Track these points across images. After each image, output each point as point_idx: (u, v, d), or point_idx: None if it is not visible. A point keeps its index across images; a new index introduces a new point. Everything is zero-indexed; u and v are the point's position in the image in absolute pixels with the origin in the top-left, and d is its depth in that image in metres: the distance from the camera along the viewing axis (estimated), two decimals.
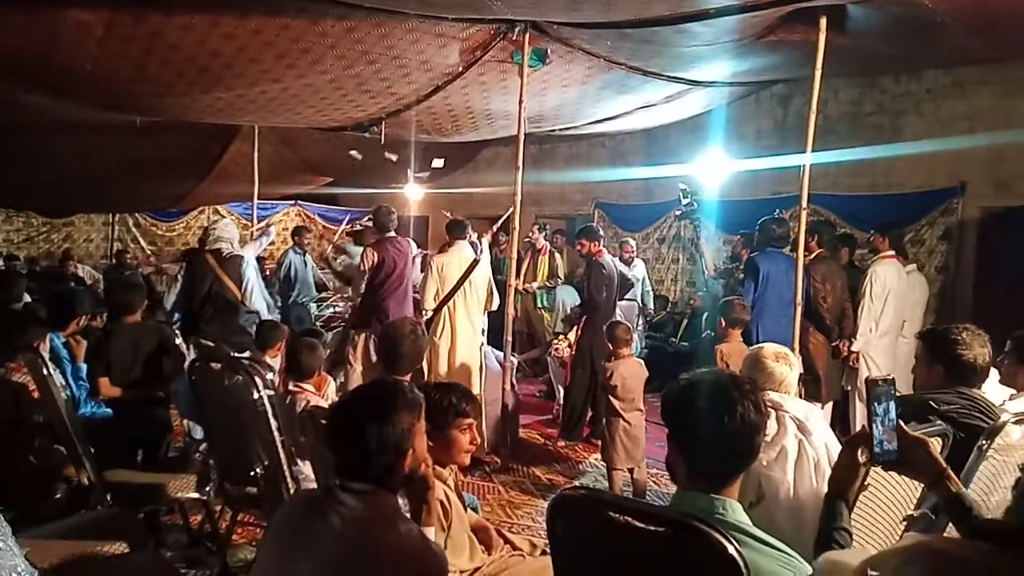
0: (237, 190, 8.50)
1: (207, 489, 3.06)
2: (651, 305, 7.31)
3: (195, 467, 3.20)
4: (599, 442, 5.50)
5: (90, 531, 2.37)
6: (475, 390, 5.07)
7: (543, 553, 2.32)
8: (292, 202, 11.03)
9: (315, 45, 4.75)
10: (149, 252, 9.92)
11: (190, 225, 10.51)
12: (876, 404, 1.53)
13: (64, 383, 3.19)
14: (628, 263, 6.84)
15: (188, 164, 7.91)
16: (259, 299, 5.03)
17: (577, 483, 4.80)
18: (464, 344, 5.12)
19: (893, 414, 1.54)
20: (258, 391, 2.49)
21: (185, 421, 4.05)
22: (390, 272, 5.18)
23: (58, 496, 2.96)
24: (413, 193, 9.36)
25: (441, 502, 1.94)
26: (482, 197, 9.56)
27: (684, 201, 5.92)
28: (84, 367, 3.60)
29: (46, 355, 3.21)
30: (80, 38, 4.36)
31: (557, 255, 7.73)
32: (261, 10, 4.29)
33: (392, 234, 5.38)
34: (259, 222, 9.68)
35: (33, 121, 6.48)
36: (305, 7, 4.25)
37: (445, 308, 5.11)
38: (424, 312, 5.08)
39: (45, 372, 2.93)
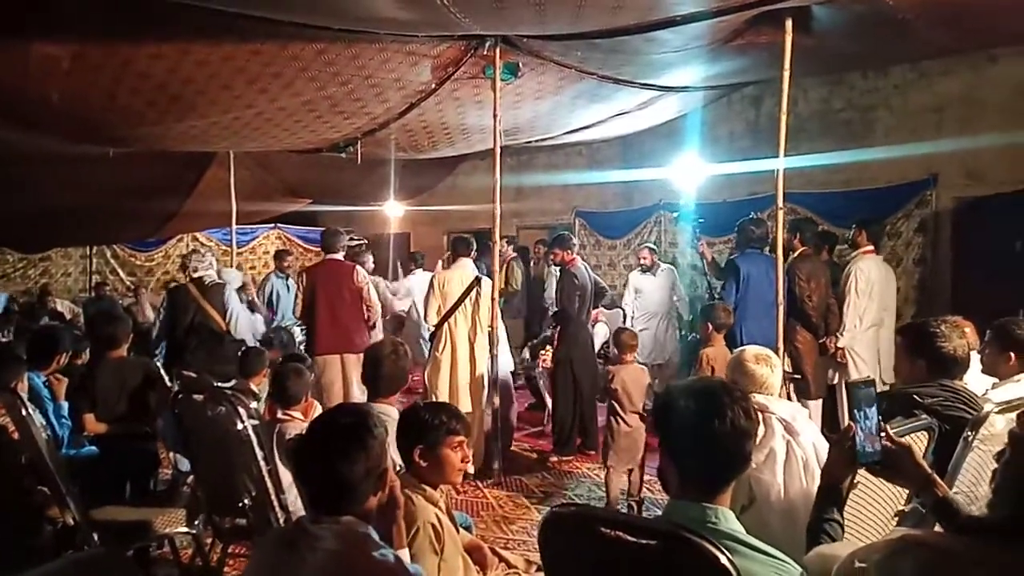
0: (215, 216, 8.43)
1: (196, 522, 3.01)
2: (686, 313, 7.13)
3: (183, 500, 3.14)
4: (592, 452, 5.52)
5: (78, 572, 2.31)
6: (479, 405, 5.08)
7: (539, 570, 2.30)
8: (271, 225, 10.98)
9: (287, 69, 4.74)
10: (129, 283, 9.80)
11: (169, 254, 10.41)
12: (856, 409, 1.54)
13: (45, 423, 3.13)
14: (650, 270, 6.78)
15: (164, 193, 7.85)
16: (244, 326, 4.98)
17: (570, 494, 4.78)
18: (464, 360, 5.11)
19: (875, 418, 1.56)
20: (242, 421, 2.46)
21: (171, 454, 3.99)
22: (318, 295, 5.08)
23: (43, 538, 2.90)
24: (393, 210, 9.35)
25: (433, 525, 1.92)
26: (462, 212, 9.56)
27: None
28: (65, 405, 3.54)
29: (24, 395, 3.15)
30: (47, 70, 4.32)
31: (514, 265, 7.76)
32: (231, 37, 4.27)
33: (335, 255, 5.32)
34: (239, 247, 9.65)
35: (4, 154, 6.40)
36: (274, 31, 4.24)
37: (446, 324, 5.09)
38: (428, 327, 5.07)
39: (24, 412, 2.88)
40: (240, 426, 2.46)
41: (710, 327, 4.40)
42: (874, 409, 1.55)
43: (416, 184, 9.20)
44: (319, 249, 10.76)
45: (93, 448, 3.54)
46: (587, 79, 5.58)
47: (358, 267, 5.31)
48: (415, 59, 4.92)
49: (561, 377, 5.46)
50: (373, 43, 4.57)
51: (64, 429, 3.52)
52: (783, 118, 4.45)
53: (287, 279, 6.88)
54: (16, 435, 3.01)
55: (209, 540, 3.18)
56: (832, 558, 1.43)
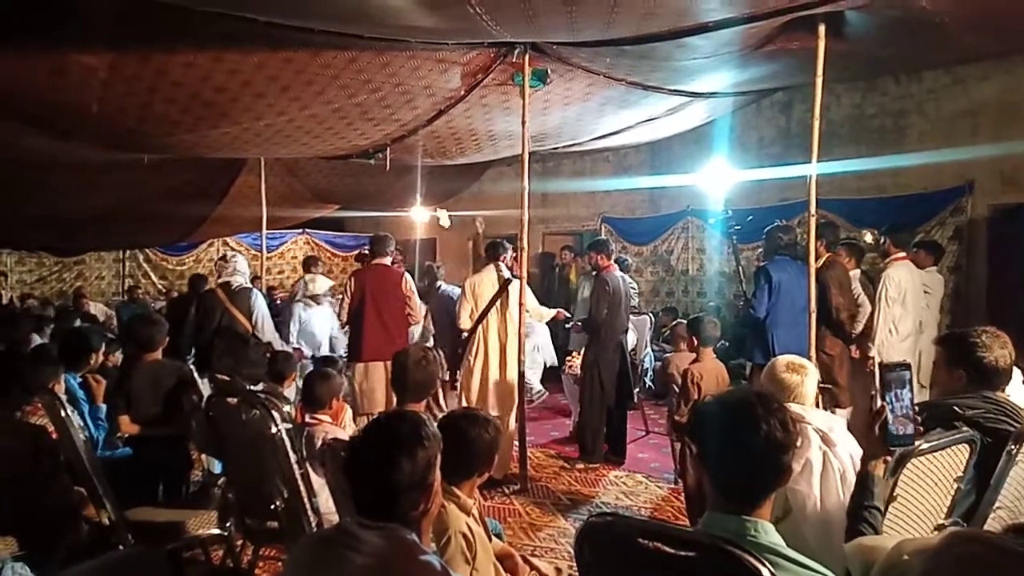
0: (245, 221, 8.56)
1: (228, 524, 3.04)
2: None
3: (215, 502, 3.18)
4: (620, 459, 5.48)
5: (116, 571, 2.35)
6: (509, 410, 5.08)
7: None
8: (300, 231, 11.10)
9: (318, 76, 4.80)
10: (160, 286, 9.97)
11: (200, 258, 10.58)
12: (888, 391, 1.51)
13: (82, 424, 3.19)
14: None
15: (196, 198, 7.98)
16: (270, 330, 5.03)
17: (597, 502, 4.75)
18: (496, 364, 5.12)
19: (907, 400, 1.52)
20: (275, 425, 2.48)
21: (203, 456, 4.04)
22: (366, 300, 5.10)
23: (81, 537, 2.95)
24: (420, 216, 9.40)
25: (465, 534, 1.92)
26: (487, 218, 9.58)
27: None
28: (103, 407, 3.61)
29: (62, 396, 3.21)
30: (85, 80, 4.42)
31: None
32: (263, 45, 4.34)
33: (383, 260, 5.32)
34: (268, 252, 9.76)
35: (42, 162, 6.56)
36: (307, 40, 4.29)
37: (479, 329, 5.10)
38: (462, 332, 5.07)
39: (62, 413, 2.94)
40: (273, 429, 2.49)
41: (695, 341, 4.28)
42: (906, 391, 1.52)
43: (443, 190, 9.25)
44: (346, 254, 10.90)
45: (127, 449, 3.61)
46: (615, 85, 5.57)
47: (406, 274, 5.33)
48: (445, 66, 4.95)
49: (589, 384, 5.42)
50: (404, 51, 4.61)
51: (100, 431, 3.59)
52: (815, 124, 4.39)
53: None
54: (55, 435, 3.07)
55: (240, 542, 3.22)
56: (875, 549, 1.40)
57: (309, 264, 6.98)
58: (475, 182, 9.72)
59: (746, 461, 1.45)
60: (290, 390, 3.84)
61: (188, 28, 4.06)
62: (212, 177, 7.61)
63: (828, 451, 2.11)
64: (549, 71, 5.12)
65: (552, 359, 6.88)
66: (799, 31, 4.44)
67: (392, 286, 5.14)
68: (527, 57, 4.83)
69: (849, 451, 2.14)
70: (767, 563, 1.24)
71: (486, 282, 5.17)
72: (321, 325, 6.53)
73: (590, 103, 5.98)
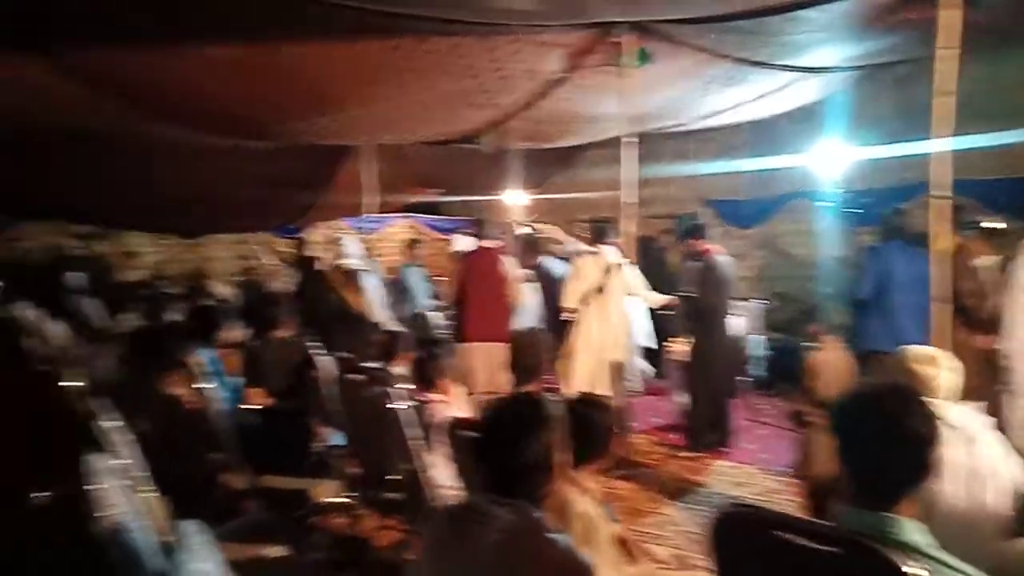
0: (350, 206, 8.89)
1: (349, 494, 3.22)
2: None
3: (337, 473, 3.37)
4: (726, 449, 5.37)
5: (252, 534, 2.55)
6: (609, 392, 5.06)
7: (689, 567, 2.28)
8: (402, 214, 11.41)
9: (423, 63, 4.90)
10: (273, 267, 10.55)
11: (306, 240, 11.09)
12: None
13: (217, 395, 3.44)
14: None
15: (305, 184, 8.35)
16: (381, 310, 5.23)
17: (706, 491, 4.67)
18: (597, 347, 5.11)
19: None
20: (395, 401, 2.60)
21: (324, 429, 4.27)
22: (471, 283, 5.15)
23: (217, 502, 3.19)
24: (514, 199, 9.45)
25: (584, 517, 1.95)
26: (581, 201, 9.54)
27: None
28: (234, 380, 3.88)
29: (197, 369, 3.48)
30: (210, 72, 4.70)
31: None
32: (372, 34, 4.46)
33: (489, 244, 5.39)
34: (371, 234, 10.11)
35: (169, 150, 7.04)
36: (415, 26, 4.39)
37: (581, 311, 5.10)
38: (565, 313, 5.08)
39: (198, 384, 3.19)
40: (393, 405, 2.60)
41: (820, 329, 4.09)
42: None
43: (538, 173, 9.26)
44: (448, 238, 11.10)
45: (255, 420, 3.86)
46: (721, 62, 5.39)
47: (510, 257, 5.41)
48: (546, 49, 4.94)
49: (696, 371, 5.33)
50: (506, 35, 4.64)
51: (232, 402, 3.86)
52: (943, 99, 4.09)
53: (420, 266, 7.13)
54: (191, 405, 3.33)
55: (361, 511, 3.39)
56: None
57: (412, 246, 7.17)
58: (569, 166, 9.67)
59: (886, 455, 1.41)
60: (400, 369, 3.98)
61: (307, 20, 4.25)
62: (320, 163, 7.93)
63: (969, 449, 2.00)
64: (652, 50, 5.01)
65: (650, 341, 6.78)
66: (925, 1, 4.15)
67: (493, 268, 5.22)
68: (630, 37, 4.74)
69: (991, 448, 2.02)
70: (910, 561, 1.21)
71: (591, 264, 5.14)
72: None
73: (694, 82, 5.82)
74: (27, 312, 5.51)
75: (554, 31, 4.70)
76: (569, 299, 5.15)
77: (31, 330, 5.25)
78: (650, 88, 5.84)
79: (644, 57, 5.01)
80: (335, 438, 4.05)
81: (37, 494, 2.30)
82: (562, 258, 6.51)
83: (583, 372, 5.11)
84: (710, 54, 5.20)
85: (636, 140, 5.21)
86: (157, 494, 2.25)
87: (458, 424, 2.31)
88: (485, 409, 1.78)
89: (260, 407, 3.75)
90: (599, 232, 5.41)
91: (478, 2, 4.15)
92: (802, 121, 7.41)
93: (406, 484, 2.68)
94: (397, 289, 6.98)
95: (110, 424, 2.26)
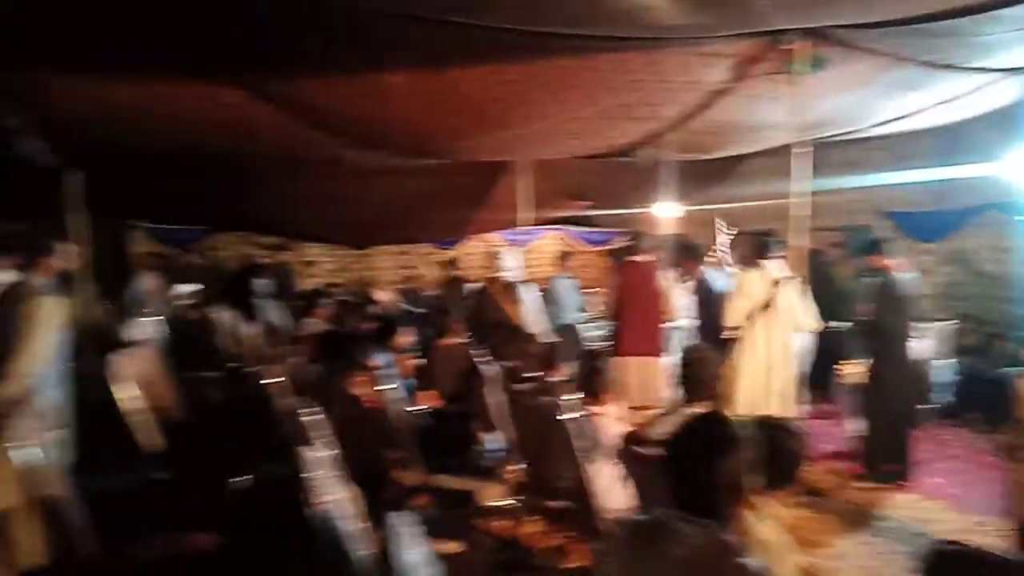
0: (504, 219, 9.20)
1: (514, 498, 3.32)
2: None
3: (500, 476, 3.49)
4: (906, 481, 4.95)
5: (429, 529, 2.71)
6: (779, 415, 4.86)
7: None
8: (552, 227, 11.61)
9: (586, 80, 4.98)
10: (432, 277, 11.15)
11: (462, 252, 11.60)
12: None
13: (394, 396, 3.69)
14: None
15: (466, 198, 8.76)
16: (539, 322, 5.35)
17: (879, 526, 4.33)
18: (764, 368, 4.93)
19: None
20: (564, 412, 2.66)
21: (484, 433, 4.44)
22: (626, 296, 5.09)
23: (392, 497, 3.42)
24: (668, 211, 9.28)
25: (769, 543, 1.89)
26: (740, 211, 9.20)
27: None
28: (407, 382, 4.14)
29: (377, 371, 3.75)
30: (391, 97, 5.06)
31: None
32: (539, 54, 4.60)
33: (642, 258, 5.32)
34: (523, 246, 10.37)
35: (345, 168, 7.64)
36: (582, 46, 4.47)
37: (745, 330, 4.97)
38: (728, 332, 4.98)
39: (378, 385, 3.44)
40: (562, 416, 2.67)
41: None
42: None
43: (694, 184, 9.05)
44: (599, 250, 11.16)
45: (426, 421, 4.09)
46: (904, 66, 5.02)
47: (664, 271, 5.36)
48: (713, 59, 4.84)
49: (874, 397, 4.96)
50: (669, 47, 4.60)
51: (406, 402, 4.12)
52: None
53: (571, 278, 7.22)
54: (372, 404, 3.60)
55: (524, 516, 3.49)
56: None
57: (564, 258, 7.27)
58: (730, 177, 9.37)
59: None
60: (558, 379, 4.06)
61: (468, 44, 4.47)
62: (479, 178, 8.28)
63: None
64: (826, 56, 4.76)
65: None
66: None
67: (648, 282, 5.18)
68: (803, 43, 4.54)
69: None
70: None
71: (755, 280, 4.96)
72: None
73: (872, 88, 5.45)
74: (223, 314, 6.20)
75: (721, 42, 4.60)
76: (732, 316, 4.98)
77: (228, 330, 5.90)
78: (823, 95, 5.54)
79: (818, 63, 4.77)
80: (495, 443, 4.20)
81: (248, 477, 2.59)
82: (724, 271, 6.30)
83: (747, 394, 4.91)
84: (891, 58, 4.86)
85: (809, 149, 4.96)
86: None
87: (634, 438, 2.32)
88: (668, 425, 1.79)
89: (431, 409, 3.97)
90: (762, 246, 5.19)
91: (643, 19, 4.16)
92: (994, 126, 6.71)
93: (573, 494, 2.72)
94: (547, 300, 7.09)
95: (313, 418, 2.49)
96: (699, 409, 2.70)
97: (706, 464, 1.56)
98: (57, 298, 3.37)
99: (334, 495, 2.10)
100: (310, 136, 5.80)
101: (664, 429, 2.09)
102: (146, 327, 5.12)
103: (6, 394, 3.03)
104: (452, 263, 9.89)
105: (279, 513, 2.24)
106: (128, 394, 3.88)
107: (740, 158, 8.26)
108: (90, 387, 3.64)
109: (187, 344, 5.28)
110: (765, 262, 5.06)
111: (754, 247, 5.25)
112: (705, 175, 8.80)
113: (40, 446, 3.12)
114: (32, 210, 5.76)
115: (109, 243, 7.42)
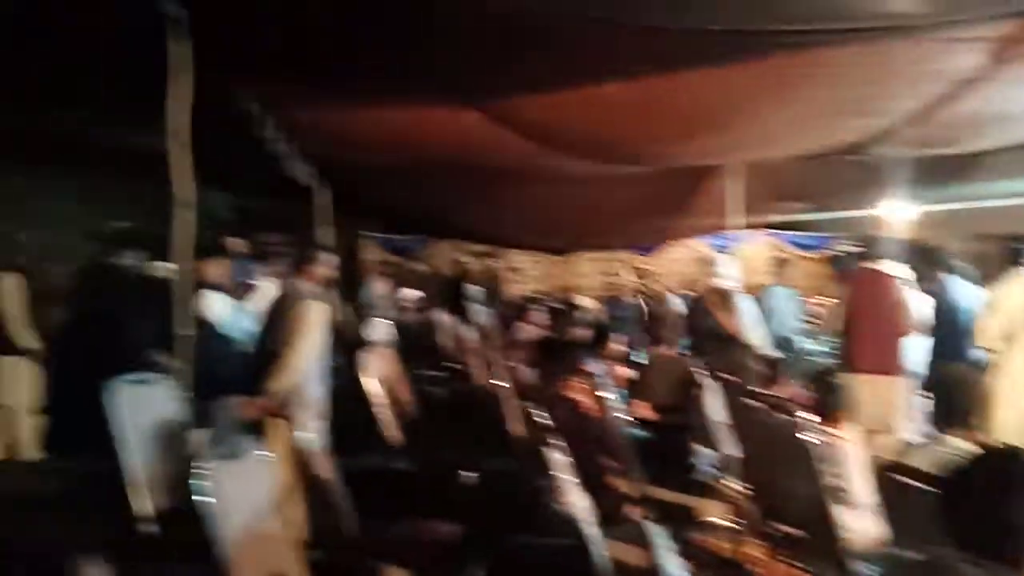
0: (709, 224, 8.93)
1: (736, 518, 3.22)
2: None
3: (719, 493, 3.40)
4: None
5: (638, 540, 2.69)
6: None
7: None
8: (761, 231, 10.98)
9: (800, 76, 4.69)
10: (635, 284, 11.06)
11: (663, 258, 11.41)
12: None
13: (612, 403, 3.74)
14: None
15: (668, 204, 8.62)
16: (754, 333, 5.13)
17: None
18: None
19: None
20: (804, 432, 2.53)
21: (698, 447, 4.35)
22: (858, 308, 4.65)
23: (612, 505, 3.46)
24: (900, 212, 8.39)
25: None
26: (987, 213, 8.13)
27: None
28: (620, 391, 4.18)
29: (594, 378, 3.82)
30: (604, 107, 5.15)
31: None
32: (746, 54, 4.41)
33: (877, 265, 4.86)
34: (726, 252, 9.95)
35: (550, 177, 7.88)
36: (801, 40, 4.23)
37: (1002, 351, 4.42)
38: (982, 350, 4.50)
39: (599, 392, 3.50)
40: (801, 436, 2.54)
41: None
42: None
43: (930, 182, 8.13)
44: (816, 256, 10.41)
45: (639, 432, 4.10)
46: None
47: (902, 280, 4.92)
48: (957, 44, 4.33)
49: None
50: (906, 36, 4.20)
51: (620, 411, 4.16)
52: None
53: (786, 287, 6.82)
54: (588, 410, 3.67)
55: (748, 538, 3.36)
56: None
57: (781, 266, 6.90)
58: (974, 173, 8.29)
59: None
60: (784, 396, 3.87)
61: (672, 49, 4.39)
62: (683, 183, 8.12)
63: None
64: None
65: None
66: None
67: (885, 292, 4.74)
68: None
69: None
70: None
71: (1017, 293, 4.36)
72: None
73: None
74: (443, 317, 6.68)
75: (968, 25, 4.11)
76: (984, 335, 4.41)
77: (448, 333, 6.35)
78: None
79: None
80: (709, 458, 4.10)
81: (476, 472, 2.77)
82: (972, 280, 5.59)
83: (1008, 424, 4.30)
84: None
85: None
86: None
87: (894, 467, 2.15)
88: (931, 456, 1.64)
89: (645, 419, 3.97)
90: (1015, 253, 4.55)
91: (865, 9, 3.84)
92: None
93: (809, 520, 2.58)
94: (761, 311, 6.75)
95: (544, 420, 2.61)
96: (963, 439, 2.45)
97: (997, 502, 1.42)
98: (321, 302, 3.86)
99: (573, 496, 2.18)
100: (522, 147, 6.07)
101: (927, 459, 1.91)
102: (381, 329, 5.67)
103: (282, 386, 3.56)
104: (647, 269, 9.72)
105: (514, 508, 2.37)
106: (373, 390, 4.34)
107: (988, 152, 7.28)
108: (344, 382, 4.13)
109: (414, 345, 5.76)
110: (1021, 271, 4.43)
111: (1007, 255, 4.62)
112: (944, 171, 7.88)
113: (310, 432, 3.60)
114: (286, 223, 6.65)
115: (345, 251, 8.29)
